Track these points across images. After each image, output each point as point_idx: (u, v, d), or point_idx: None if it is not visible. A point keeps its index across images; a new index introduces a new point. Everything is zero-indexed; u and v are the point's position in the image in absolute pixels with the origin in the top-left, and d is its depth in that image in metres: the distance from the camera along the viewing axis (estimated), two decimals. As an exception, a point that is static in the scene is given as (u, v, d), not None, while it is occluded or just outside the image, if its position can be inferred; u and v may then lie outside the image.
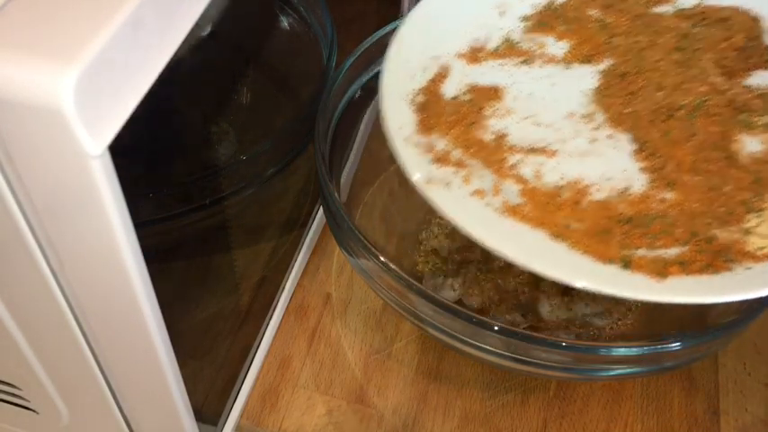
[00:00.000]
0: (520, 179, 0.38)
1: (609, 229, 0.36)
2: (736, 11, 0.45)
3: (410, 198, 0.57)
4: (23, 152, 0.22)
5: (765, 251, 0.35)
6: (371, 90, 0.53)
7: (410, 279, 0.40)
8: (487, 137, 0.40)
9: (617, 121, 0.41)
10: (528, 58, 0.44)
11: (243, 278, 0.51)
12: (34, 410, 0.39)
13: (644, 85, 0.42)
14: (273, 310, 0.51)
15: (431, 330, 0.41)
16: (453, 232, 0.54)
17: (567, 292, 0.51)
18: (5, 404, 0.40)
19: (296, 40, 0.57)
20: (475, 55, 0.45)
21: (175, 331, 0.32)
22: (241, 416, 0.47)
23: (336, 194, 0.43)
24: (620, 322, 0.49)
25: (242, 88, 0.58)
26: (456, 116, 0.41)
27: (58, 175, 0.23)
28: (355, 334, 0.51)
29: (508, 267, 0.51)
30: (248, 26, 0.57)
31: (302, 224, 0.55)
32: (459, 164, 0.39)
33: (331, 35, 0.51)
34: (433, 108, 0.42)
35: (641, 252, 0.35)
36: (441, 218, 0.55)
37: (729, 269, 0.35)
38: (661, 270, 0.35)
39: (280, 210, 0.56)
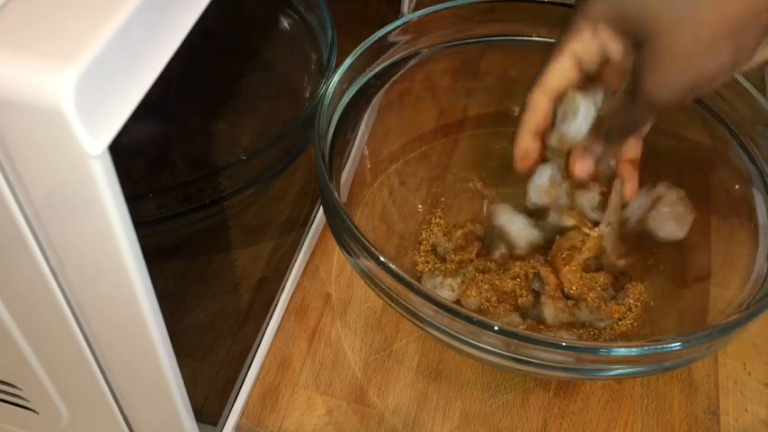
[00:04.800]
0: None
1: None
2: None
3: (410, 198, 0.57)
4: (23, 152, 0.22)
5: None
6: (371, 90, 0.53)
7: (410, 279, 0.40)
8: None
9: None
10: None
11: (243, 278, 0.51)
12: (34, 410, 0.39)
13: None
14: (273, 310, 0.51)
15: (431, 330, 0.41)
16: (451, 232, 0.54)
17: (570, 296, 0.50)
18: (5, 404, 0.40)
19: (296, 40, 0.57)
20: None
21: (175, 331, 0.32)
22: (241, 416, 0.47)
23: (336, 194, 0.43)
24: (620, 322, 0.49)
25: (242, 88, 0.58)
26: None
27: (57, 175, 0.23)
28: (355, 334, 0.51)
29: (506, 269, 0.51)
30: (248, 26, 0.58)
31: (302, 224, 0.55)
32: None
33: (331, 35, 0.51)
34: None
35: None
36: (440, 217, 0.56)
37: None
38: None
39: (280, 210, 0.56)
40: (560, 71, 0.43)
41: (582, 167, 0.44)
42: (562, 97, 0.44)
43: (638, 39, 0.38)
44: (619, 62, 0.41)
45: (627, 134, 0.43)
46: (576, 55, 0.42)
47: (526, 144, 0.45)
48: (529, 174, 0.48)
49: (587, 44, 0.41)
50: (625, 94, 0.40)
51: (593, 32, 0.41)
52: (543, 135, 0.45)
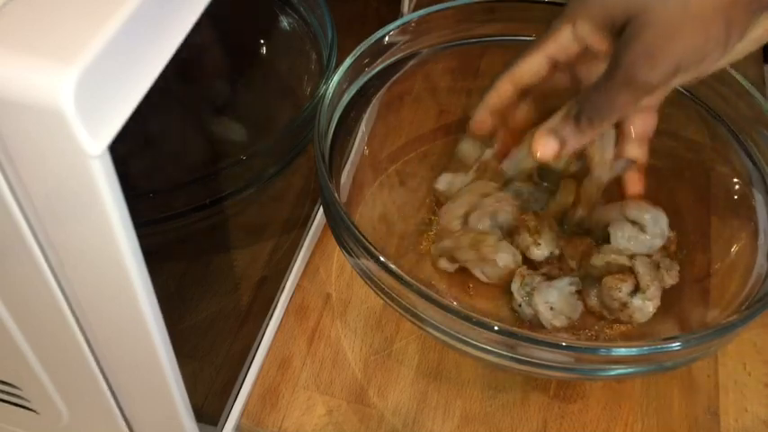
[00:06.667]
0: None
1: None
2: None
3: (410, 198, 0.57)
4: (23, 152, 0.22)
5: None
6: (371, 90, 0.53)
7: (410, 279, 0.40)
8: None
9: None
10: None
11: (243, 278, 0.51)
12: (34, 410, 0.39)
13: None
14: (273, 310, 0.51)
15: (431, 330, 0.41)
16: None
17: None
18: (5, 404, 0.40)
19: (296, 40, 0.57)
20: None
21: (175, 331, 0.32)
22: (241, 416, 0.47)
23: (336, 194, 0.43)
24: (620, 323, 0.49)
25: (242, 88, 0.58)
26: None
27: (58, 176, 0.23)
28: (355, 334, 0.51)
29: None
30: (248, 26, 0.58)
31: (302, 224, 0.55)
32: None
33: (331, 35, 0.51)
34: None
35: None
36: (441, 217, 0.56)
37: None
38: None
39: (280, 210, 0.56)
40: (532, 69, 0.44)
41: (545, 149, 0.42)
42: (527, 88, 0.46)
43: (621, 23, 0.37)
44: (600, 56, 0.40)
45: (599, 119, 0.40)
46: (549, 55, 0.43)
47: (483, 117, 0.49)
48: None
49: (566, 45, 0.41)
50: (602, 76, 0.38)
51: (571, 32, 0.40)
52: (500, 114, 0.48)
